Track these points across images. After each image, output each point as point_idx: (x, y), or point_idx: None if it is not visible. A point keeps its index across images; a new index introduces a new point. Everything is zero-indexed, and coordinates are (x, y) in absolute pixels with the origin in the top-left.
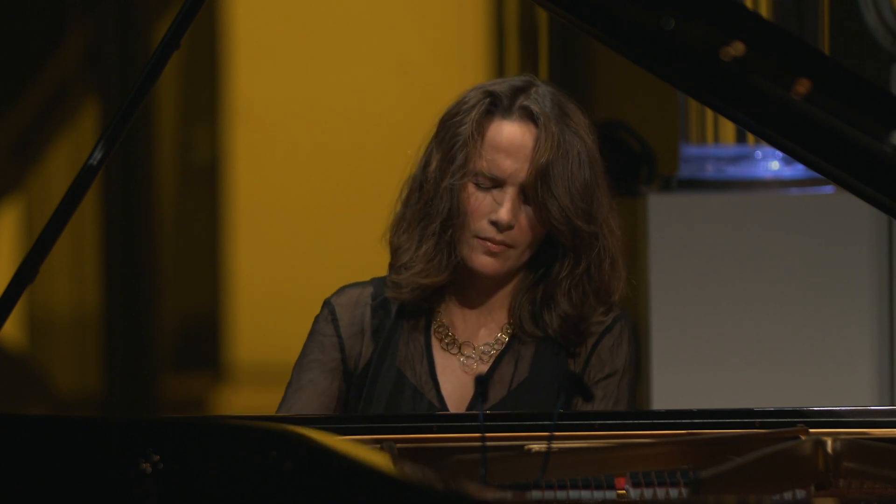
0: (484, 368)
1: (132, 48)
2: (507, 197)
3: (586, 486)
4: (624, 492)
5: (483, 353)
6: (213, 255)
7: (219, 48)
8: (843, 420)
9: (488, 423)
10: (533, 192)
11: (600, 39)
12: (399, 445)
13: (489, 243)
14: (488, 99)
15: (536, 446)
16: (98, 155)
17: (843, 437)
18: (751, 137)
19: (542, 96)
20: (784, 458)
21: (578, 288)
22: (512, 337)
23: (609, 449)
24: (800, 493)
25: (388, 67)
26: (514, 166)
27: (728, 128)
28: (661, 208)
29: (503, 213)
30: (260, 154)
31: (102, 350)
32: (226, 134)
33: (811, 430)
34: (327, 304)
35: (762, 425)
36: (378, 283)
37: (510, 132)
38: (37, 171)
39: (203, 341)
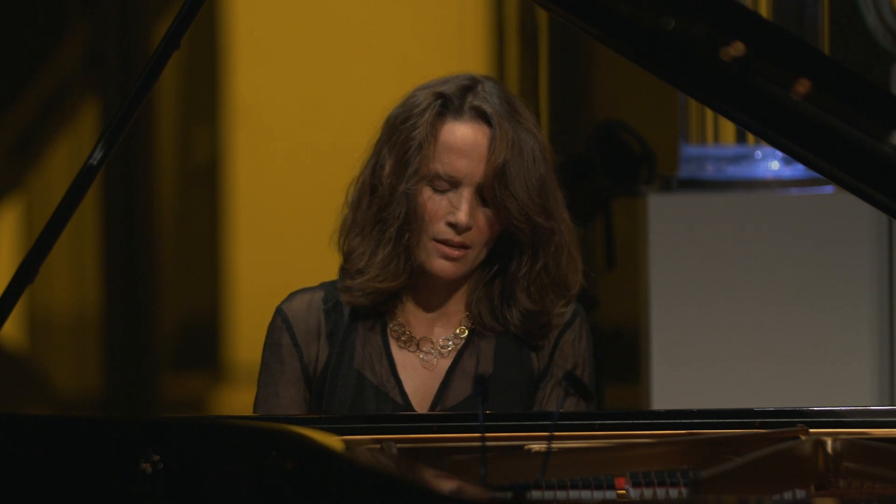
0: (445, 364)
1: (132, 48)
2: (464, 198)
3: (586, 486)
4: (624, 492)
5: (443, 348)
6: (213, 255)
7: (219, 48)
8: (843, 420)
9: (488, 423)
10: (490, 192)
11: (600, 39)
12: (399, 445)
13: (446, 247)
14: (439, 101)
15: (536, 446)
16: (98, 155)
17: (843, 437)
18: (751, 137)
19: (489, 94)
20: (784, 458)
21: (537, 283)
22: (471, 331)
23: (609, 449)
24: (800, 493)
25: (387, 67)
26: (470, 167)
27: (728, 128)
28: (661, 208)
29: (461, 215)
30: (260, 154)
31: (102, 350)
32: (226, 134)
33: (811, 430)
34: (279, 311)
35: (762, 425)
36: (328, 286)
37: (464, 133)
38: (37, 171)
39: (203, 341)
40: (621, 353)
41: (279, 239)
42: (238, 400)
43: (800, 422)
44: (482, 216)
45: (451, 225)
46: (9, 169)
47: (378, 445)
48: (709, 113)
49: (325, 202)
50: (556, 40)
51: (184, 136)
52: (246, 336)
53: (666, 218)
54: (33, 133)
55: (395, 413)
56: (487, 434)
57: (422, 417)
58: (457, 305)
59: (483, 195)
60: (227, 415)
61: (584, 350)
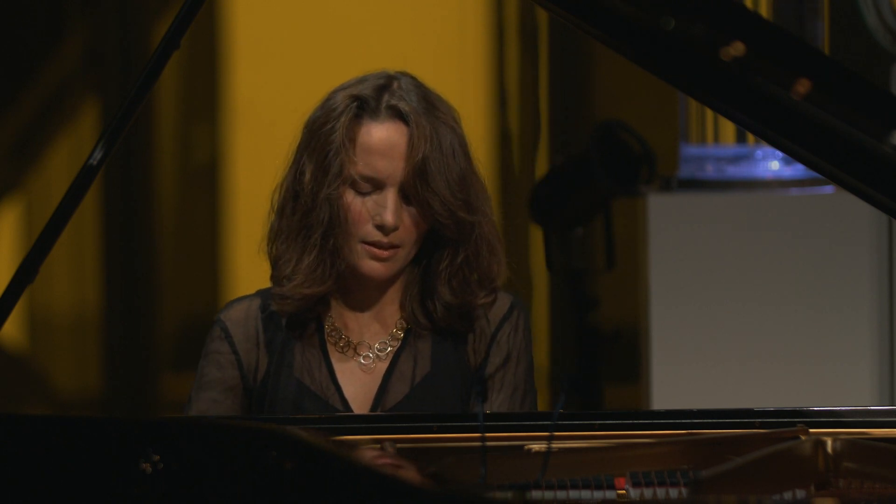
0: (383, 367)
1: (132, 48)
2: (389, 198)
3: (586, 486)
4: (624, 492)
5: (380, 350)
6: (213, 255)
7: (219, 48)
8: (843, 420)
9: (488, 423)
10: (413, 190)
11: (600, 39)
12: (399, 445)
13: (376, 248)
14: (355, 103)
15: (536, 446)
16: (98, 155)
17: (843, 437)
18: (751, 137)
19: (406, 91)
20: (784, 458)
21: (458, 276)
22: (407, 332)
23: (609, 449)
24: (800, 493)
25: (387, 67)
26: (391, 167)
27: (728, 128)
28: (661, 208)
29: (387, 216)
30: (260, 154)
31: (102, 350)
32: (226, 134)
33: (811, 430)
34: (218, 321)
35: (762, 425)
36: (265, 294)
37: (381, 134)
38: (37, 171)
39: (203, 341)
40: (621, 353)
41: None
42: None
43: (800, 422)
44: (408, 215)
45: (379, 227)
46: (9, 169)
47: (378, 445)
48: (709, 113)
49: None
50: (556, 40)
51: (184, 135)
52: None
53: (666, 218)
54: (33, 133)
55: (394, 414)
56: (487, 434)
57: (422, 417)
58: (391, 305)
59: (406, 194)
60: (227, 415)
61: (521, 342)
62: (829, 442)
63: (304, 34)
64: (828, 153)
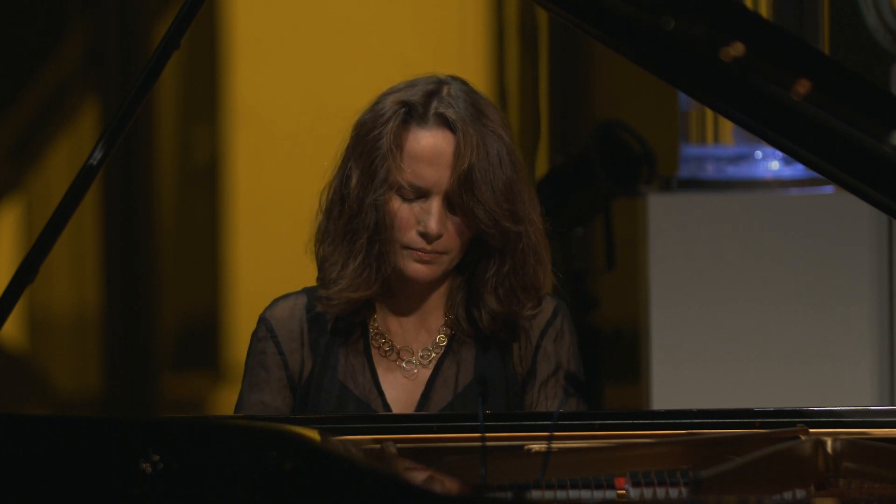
0: (426, 373)
1: (132, 48)
2: (433, 207)
3: (586, 486)
4: (624, 492)
5: (423, 357)
6: (213, 255)
7: (219, 48)
8: (843, 420)
9: (488, 423)
10: (458, 199)
11: (600, 39)
12: (399, 445)
13: (420, 253)
14: (403, 109)
15: (536, 446)
16: (98, 155)
17: (843, 437)
18: (750, 137)
19: (454, 98)
20: (784, 458)
21: (505, 285)
22: (451, 339)
23: (609, 449)
24: (800, 493)
25: (387, 67)
26: (436, 175)
27: (728, 128)
28: (661, 208)
29: (431, 224)
30: (260, 154)
31: (102, 350)
32: (226, 134)
33: (811, 430)
34: (263, 320)
35: (762, 425)
36: (310, 292)
37: (428, 141)
38: (37, 171)
39: (203, 341)
40: (621, 353)
41: (279, 239)
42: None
43: (800, 422)
44: (452, 223)
45: (423, 234)
46: (9, 169)
47: (378, 445)
48: (709, 113)
49: None
50: (556, 40)
51: (184, 136)
52: (246, 336)
53: (666, 218)
54: (33, 133)
55: (395, 414)
56: (487, 434)
57: (422, 417)
58: (435, 311)
59: (451, 202)
60: (227, 415)
61: (568, 347)
62: (829, 442)
63: (304, 34)
64: (828, 153)
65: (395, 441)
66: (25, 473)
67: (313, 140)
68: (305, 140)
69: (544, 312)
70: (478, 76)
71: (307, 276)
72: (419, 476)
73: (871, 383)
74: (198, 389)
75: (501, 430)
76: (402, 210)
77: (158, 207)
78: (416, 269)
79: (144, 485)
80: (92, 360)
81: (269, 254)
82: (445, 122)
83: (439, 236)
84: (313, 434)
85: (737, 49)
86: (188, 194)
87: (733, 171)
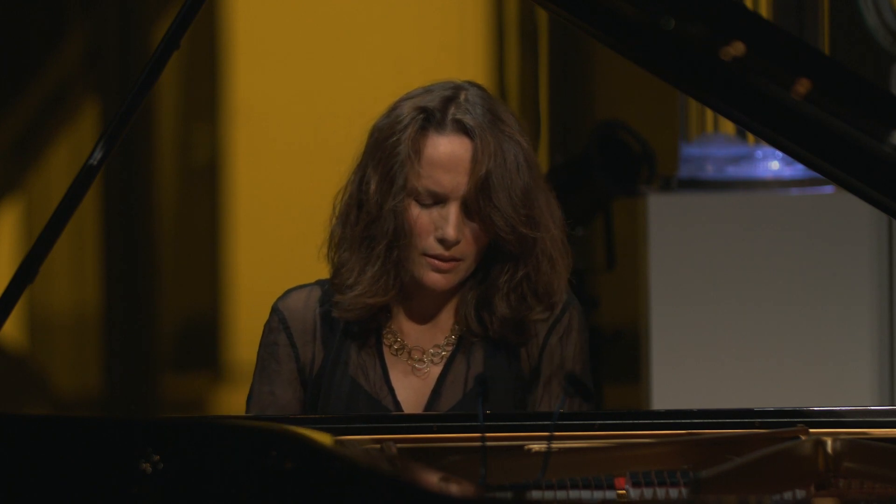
0: (437, 371)
1: (132, 48)
2: (451, 212)
3: (586, 486)
4: (624, 492)
5: (434, 355)
6: (213, 255)
7: (219, 48)
8: (843, 420)
9: (488, 423)
10: (475, 205)
11: (600, 39)
12: (399, 445)
13: (437, 261)
14: (421, 115)
15: (536, 446)
16: (98, 155)
17: (843, 437)
18: (751, 137)
19: (472, 104)
20: (784, 458)
21: (517, 291)
22: (460, 338)
23: (609, 449)
24: (800, 493)
25: (388, 67)
26: (454, 181)
27: (728, 128)
28: (661, 208)
29: (449, 230)
30: (260, 154)
31: (102, 350)
32: (226, 134)
33: (811, 430)
34: (276, 310)
35: (762, 425)
36: (325, 285)
37: (446, 148)
38: (37, 171)
39: (203, 341)
40: (621, 353)
41: (279, 239)
42: (238, 400)
43: (800, 422)
44: (469, 229)
45: (440, 240)
46: (9, 169)
47: (378, 445)
48: (709, 113)
49: (325, 202)
50: (556, 40)
51: (184, 135)
52: (246, 336)
53: (666, 218)
54: (33, 133)
55: (395, 413)
56: (487, 434)
57: (422, 417)
58: (447, 312)
59: (468, 208)
60: (227, 415)
61: (574, 345)
62: (829, 442)
63: (303, 34)
64: (828, 153)
65: (395, 441)
66: (25, 473)
67: (313, 140)
68: (305, 140)
69: (554, 309)
70: (478, 76)
71: (307, 275)
72: (426, 476)
73: (871, 383)
74: (198, 389)
75: (501, 429)
76: (419, 216)
77: (158, 207)
78: (434, 278)
79: (144, 485)
80: (92, 360)
81: (269, 254)
82: (463, 129)
83: (457, 242)
84: (324, 437)
85: (737, 49)
86: (188, 194)
87: (733, 171)
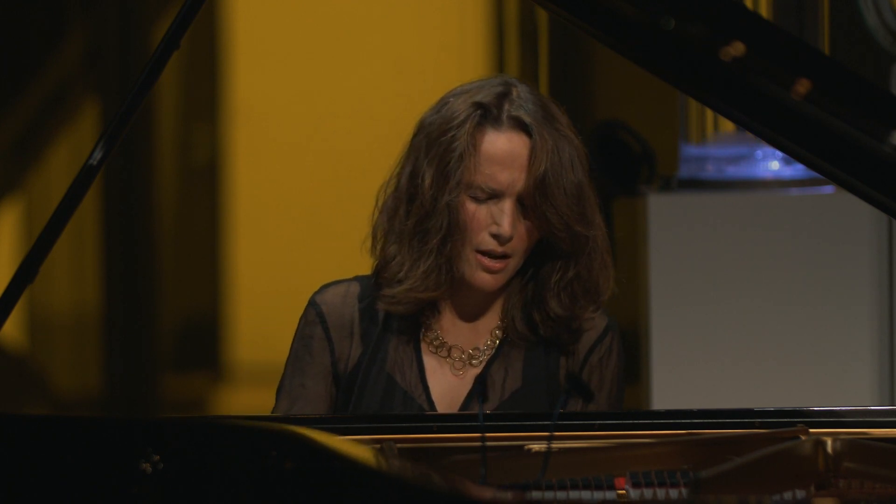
0: (474, 373)
1: (132, 48)
2: (506, 209)
3: (586, 486)
4: (624, 492)
5: (473, 356)
6: (213, 255)
7: (219, 48)
8: (843, 420)
9: (488, 424)
10: (531, 202)
11: (600, 39)
12: (399, 445)
13: (488, 259)
14: (478, 111)
15: (536, 446)
16: (98, 155)
17: (843, 437)
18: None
19: (525, 101)
20: (784, 458)
21: (569, 289)
22: (502, 341)
23: (609, 449)
24: (800, 493)
25: (387, 68)
26: (511, 177)
27: (728, 128)
28: (661, 208)
29: (505, 227)
30: (260, 154)
31: (102, 350)
32: (226, 134)
33: (811, 430)
34: (313, 304)
35: (762, 425)
36: (364, 280)
37: (503, 144)
38: (37, 171)
39: (203, 341)
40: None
41: (279, 239)
42: (238, 400)
43: (800, 422)
44: (523, 225)
45: (495, 236)
46: (9, 169)
47: (378, 445)
48: (709, 113)
49: (324, 202)
50: (556, 40)
51: (184, 135)
52: (246, 336)
53: (666, 218)
54: (33, 133)
55: (394, 413)
56: (487, 434)
57: (422, 417)
58: (490, 313)
59: (523, 204)
60: (227, 415)
61: (613, 368)
62: (829, 442)
63: (304, 34)
64: (828, 153)
65: (396, 441)
66: (25, 473)
67: (313, 140)
68: (305, 140)
69: (596, 328)
70: (478, 76)
71: (307, 275)
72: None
73: (871, 383)
74: (198, 389)
75: (501, 430)
76: (474, 211)
77: (158, 207)
78: (483, 278)
79: (144, 485)
80: (92, 360)
81: (268, 254)
82: (520, 125)
83: (511, 238)
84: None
85: (737, 49)
86: (188, 194)
87: (733, 171)
